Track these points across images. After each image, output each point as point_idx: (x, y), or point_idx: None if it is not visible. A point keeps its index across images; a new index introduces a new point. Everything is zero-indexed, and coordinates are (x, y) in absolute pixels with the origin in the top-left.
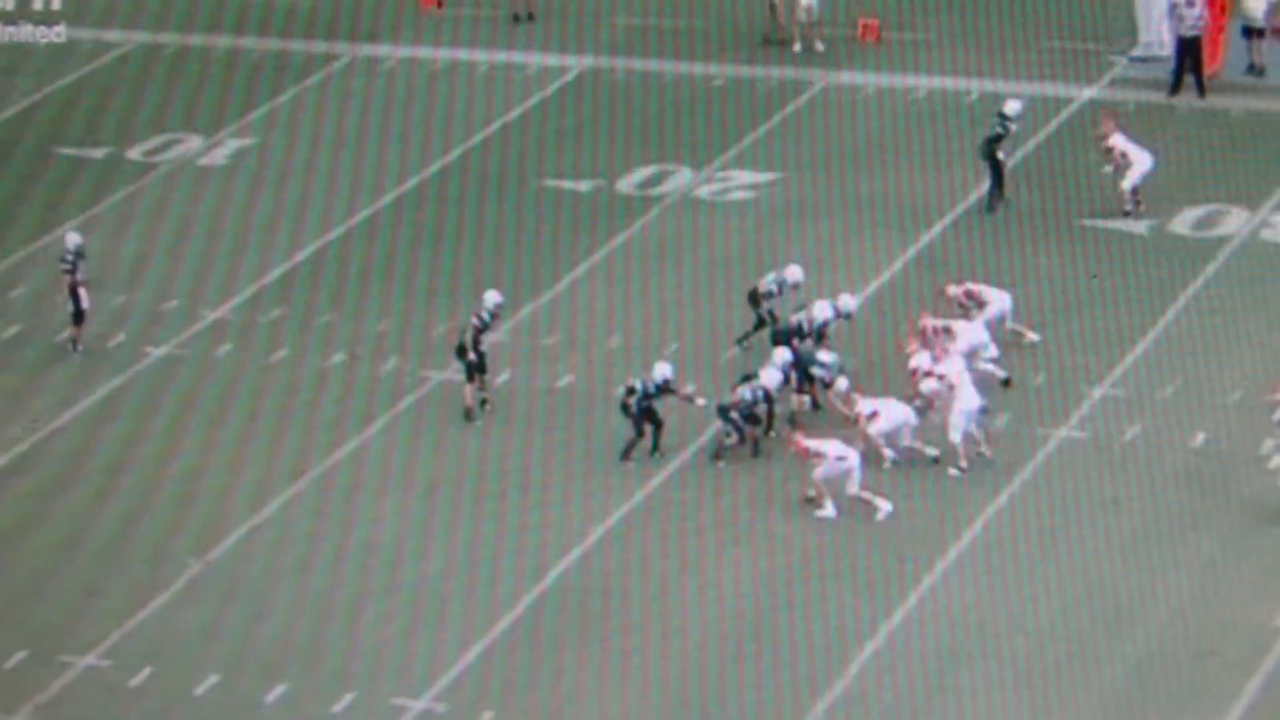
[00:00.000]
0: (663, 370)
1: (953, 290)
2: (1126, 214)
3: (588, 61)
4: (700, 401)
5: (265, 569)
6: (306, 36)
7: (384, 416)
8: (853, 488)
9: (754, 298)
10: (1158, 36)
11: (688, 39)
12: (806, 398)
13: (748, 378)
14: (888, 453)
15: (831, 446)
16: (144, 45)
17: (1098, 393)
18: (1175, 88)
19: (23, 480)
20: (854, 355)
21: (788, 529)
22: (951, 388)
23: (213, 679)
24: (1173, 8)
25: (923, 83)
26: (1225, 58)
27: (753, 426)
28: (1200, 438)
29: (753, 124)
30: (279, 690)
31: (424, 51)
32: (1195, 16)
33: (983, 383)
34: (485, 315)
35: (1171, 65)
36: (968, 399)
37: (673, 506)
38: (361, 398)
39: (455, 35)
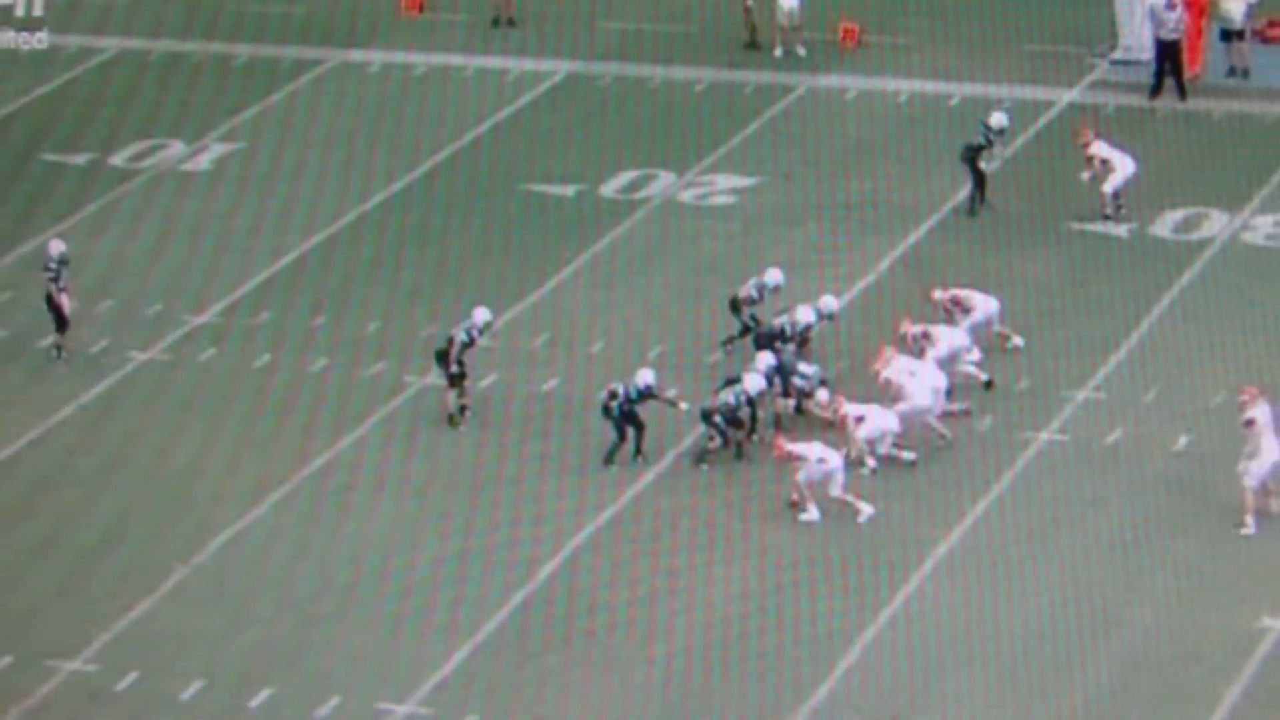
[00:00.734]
0: (645, 376)
1: (938, 295)
2: (1107, 217)
3: (570, 66)
4: (683, 406)
5: (250, 573)
6: (289, 42)
7: (368, 421)
8: (835, 490)
9: (735, 304)
10: (1138, 40)
11: (669, 44)
12: (791, 401)
13: (730, 381)
14: (870, 461)
15: (813, 449)
16: (127, 51)
17: (1080, 396)
18: (1156, 91)
19: (6, 485)
20: (838, 359)
21: (771, 533)
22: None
23: (198, 683)
24: (1152, 11)
25: (904, 86)
26: (1206, 61)
27: (736, 430)
28: (1183, 441)
29: (735, 128)
30: (264, 695)
31: (406, 57)
32: (1175, 20)
33: (964, 385)
34: (474, 331)
35: (1152, 68)
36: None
37: (656, 511)
38: (346, 402)
39: (437, 40)
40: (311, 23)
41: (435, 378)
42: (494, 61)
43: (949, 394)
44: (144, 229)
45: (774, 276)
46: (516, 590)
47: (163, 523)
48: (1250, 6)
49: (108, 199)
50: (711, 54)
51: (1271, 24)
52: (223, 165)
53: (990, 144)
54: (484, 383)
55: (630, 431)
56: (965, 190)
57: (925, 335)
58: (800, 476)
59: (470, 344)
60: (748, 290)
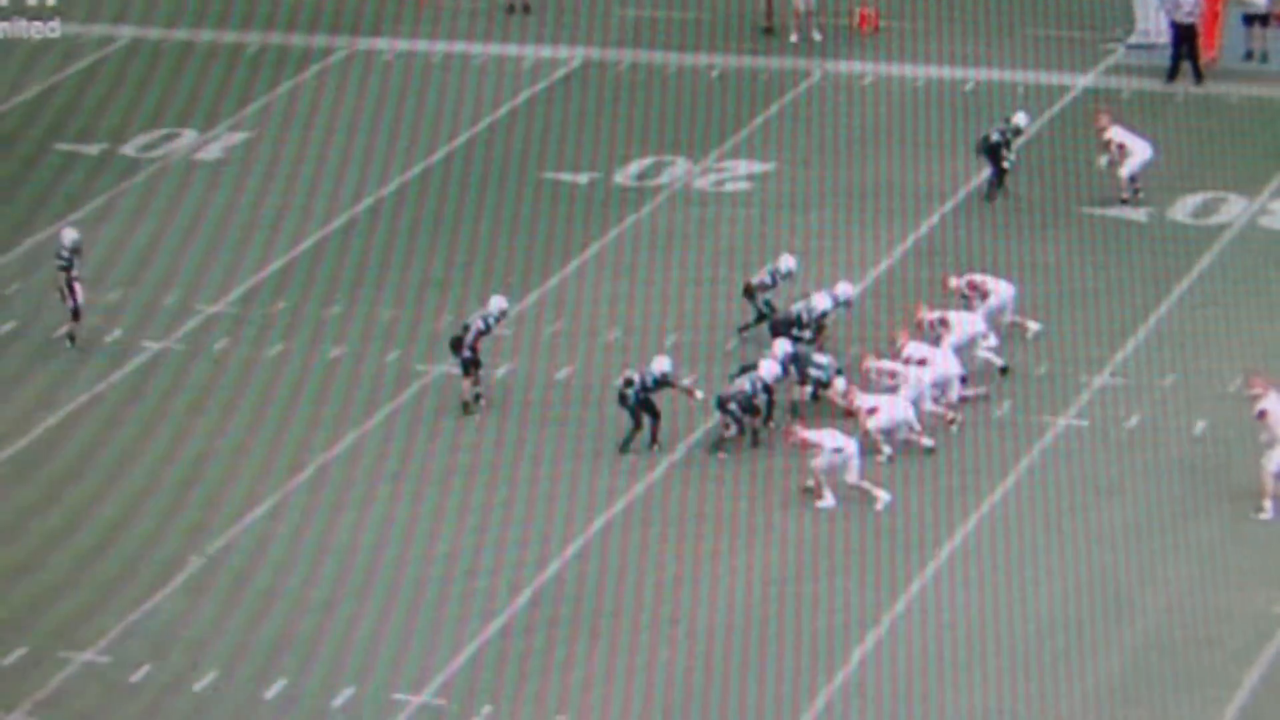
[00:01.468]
0: (661, 364)
1: (955, 282)
2: (1124, 202)
3: (585, 53)
4: (699, 395)
5: (264, 564)
6: (303, 30)
7: (383, 410)
8: (851, 476)
9: (749, 291)
10: (1154, 24)
11: (685, 30)
12: (808, 388)
13: (746, 369)
14: (886, 449)
15: (829, 437)
16: (139, 40)
17: (1098, 381)
18: (1172, 74)
19: (20, 476)
20: (852, 345)
21: (788, 520)
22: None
23: (212, 674)
24: None
25: (920, 72)
26: (1222, 45)
27: (752, 418)
28: (1200, 425)
29: (750, 115)
30: (278, 685)
31: (421, 44)
32: (1191, 3)
33: (982, 371)
34: (490, 320)
35: (1168, 52)
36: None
37: (672, 498)
38: (360, 391)
39: (452, 28)
40: (329, 11)
41: (450, 366)
42: (508, 48)
43: (965, 380)
44: (157, 218)
45: (787, 262)
46: (532, 580)
47: (176, 513)
48: None
49: (120, 188)
50: (727, 40)
51: None
52: (235, 154)
53: (1008, 142)
54: (499, 371)
55: (646, 419)
56: (981, 176)
57: (942, 321)
58: (816, 464)
59: (486, 332)
60: (761, 277)
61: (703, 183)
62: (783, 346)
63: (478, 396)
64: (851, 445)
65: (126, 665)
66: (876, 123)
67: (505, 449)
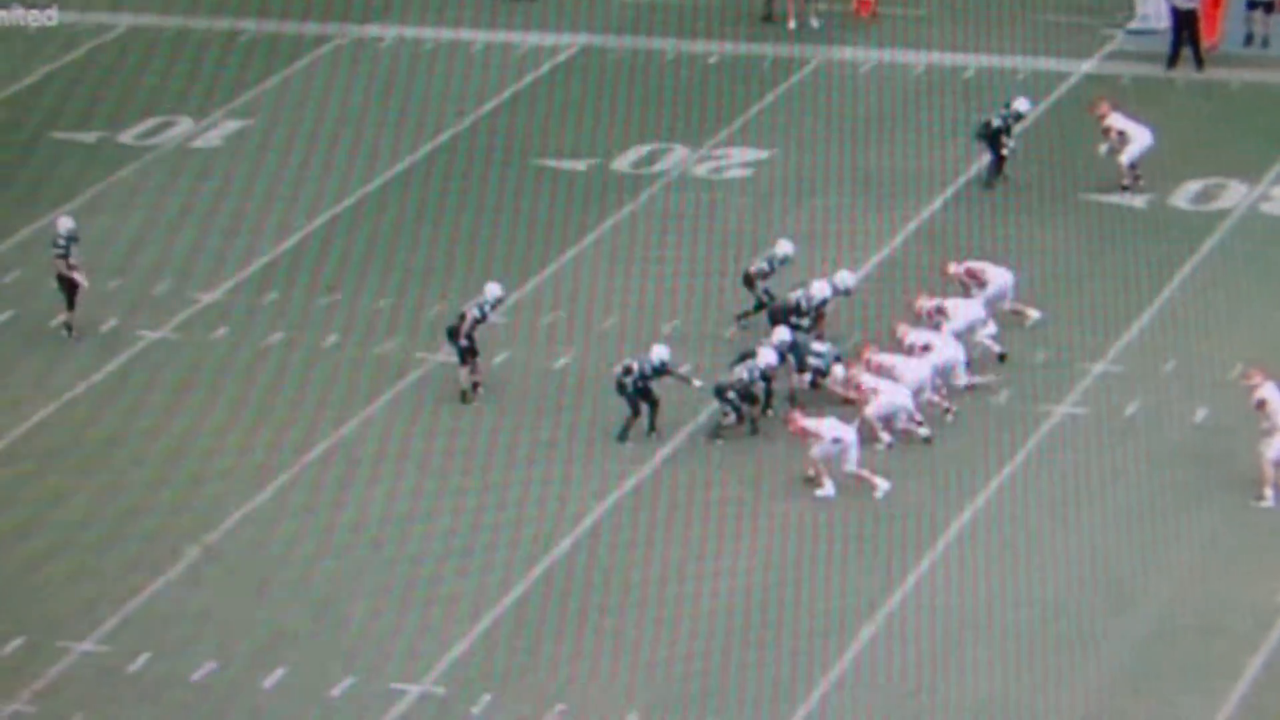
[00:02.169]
0: (660, 352)
1: (954, 269)
2: (1125, 188)
3: (582, 40)
4: (697, 384)
5: (262, 553)
6: (300, 17)
7: (380, 398)
8: (850, 465)
9: (748, 279)
10: (1155, 9)
11: (682, 16)
12: (807, 375)
13: (744, 356)
14: (885, 436)
15: (829, 426)
16: (136, 28)
17: (1098, 368)
18: (1173, 60)
19: (16, 465)
20: (854, 331)
21: (787, 509)
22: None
23: (210, 664)
24: None
25: (919, 58)
26: (1223, 30)
27: (750, 406)
28: (1201, 413)
29: (749, 101)
30: (277, 675)
31: (417, 31)
32: None
33: (981, 359)
34: (485, 307)
35: (1169, 38)
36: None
37: (671, 487)
38: (357, 379)
39: (449, 15)
40: None
41: (447, 354)
42: (506, 35)
43: (968, 365)
44: (153, 206)
45: (784, 248)
46: (531, 568)
47: (174, 502)
48: None
49: (117, 176)
50: (725, 26)
51: None
52: (232, 142)
53: (1008, 128)
54: (497, 359)
55: (644, 407)
56: (981, 162)
57: (940, 310)
58: (815, 452)
59: (482, 319)
60: (759, 264)
61: (701, 170)
62: (782, 334)
63: (475, 385)
64: (850, 435)
65: (125, 655)
66: (876, 109)
67: (503, 437)
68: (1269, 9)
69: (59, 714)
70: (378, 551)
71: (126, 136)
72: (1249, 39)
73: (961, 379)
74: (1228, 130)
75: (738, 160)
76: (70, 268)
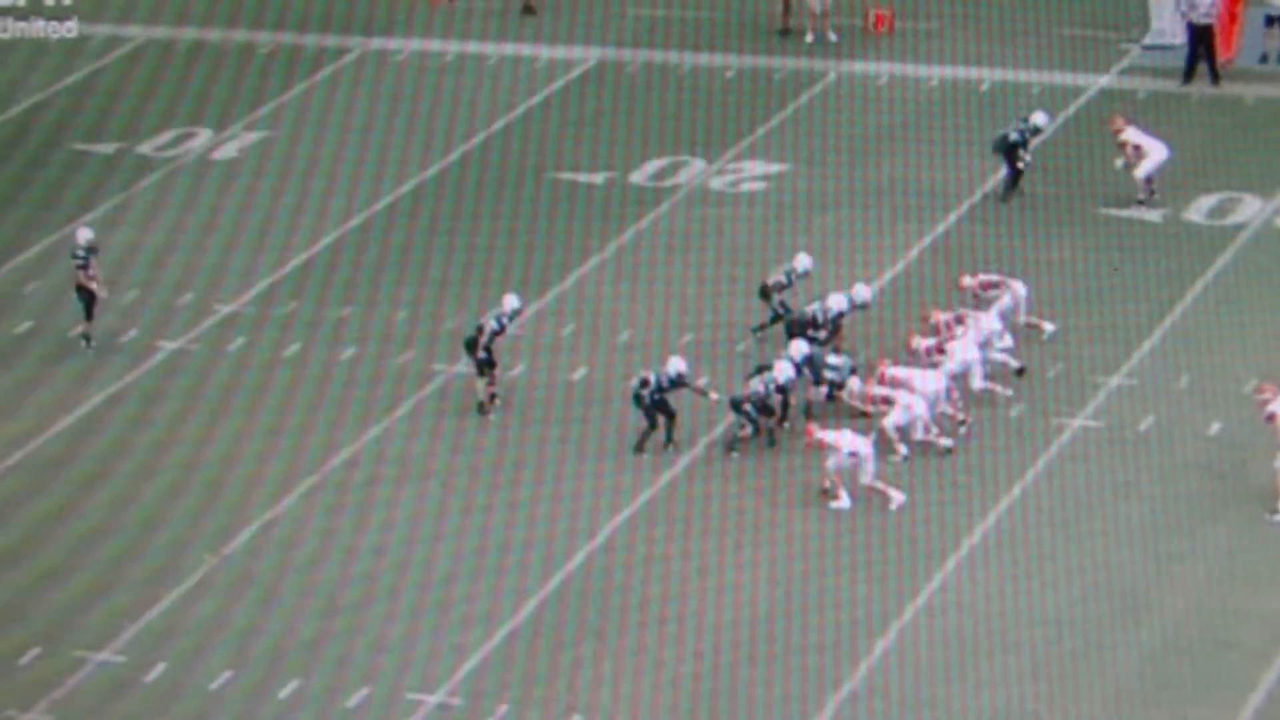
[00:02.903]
0: (676, 365)
1: (968, 281)
2: (1140, 202)
3: (599, 53)
4: (714, 396)
5: (279, 563)
6: (317, 30)
7: (398, 410)
8: (866, 478)
9: (765, 292)
10: (1171, 24)
11: (699, 30)
12: (823, 389)
13: (761, 369)
14: (901, 448)
15: (845, 439)
16: (155, 40)
17: (1113, 382)
18: (1188, 75)
19: (32, 475)
20: (868, 346)
21: (802, 521)
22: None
23: (226, 674)
24: None
25: (935, 72)
26: (1239, 46)
27: (767, 418)
28: (1215, 426)
29: (765, 115)
30: (293, 685)
31: (434, 44)
32: (1208, 4)
33: (997, 373)
34: (504, 320)
35: (1184, 53)
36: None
37: (688, 499)
38: (375, 391)
39: (466, 28)
40: (343, 11)
41: (464, 366)
42: (522, 48)
43: (986, 375)
44: (172, 217)
45: (803, 262)
46: (548, 579)
47: (191, 513)
48: None
49: (136, 188)
50: (742, 40)
51: None
52: (251, 154)
53: (1025, 142)
54: (513, 371)
55: (661, 420)
56: (998, 176)
57: (958, 319)
58: (831, 464)
59: (500, 332)
60: (777, 276)
61: (717, 183)
62: (800, 348)
63: (493, 397)
64: (867, 448)
65: (142, 665)
66: (892, 123)
67: (520, 449)
68: None
69: None
70: (394, 561)
71: (146, 148)
72: (1264, 58)
73: (977, 383)
74: (1243, 145)
75: (754, 174)
76: (89, 279)
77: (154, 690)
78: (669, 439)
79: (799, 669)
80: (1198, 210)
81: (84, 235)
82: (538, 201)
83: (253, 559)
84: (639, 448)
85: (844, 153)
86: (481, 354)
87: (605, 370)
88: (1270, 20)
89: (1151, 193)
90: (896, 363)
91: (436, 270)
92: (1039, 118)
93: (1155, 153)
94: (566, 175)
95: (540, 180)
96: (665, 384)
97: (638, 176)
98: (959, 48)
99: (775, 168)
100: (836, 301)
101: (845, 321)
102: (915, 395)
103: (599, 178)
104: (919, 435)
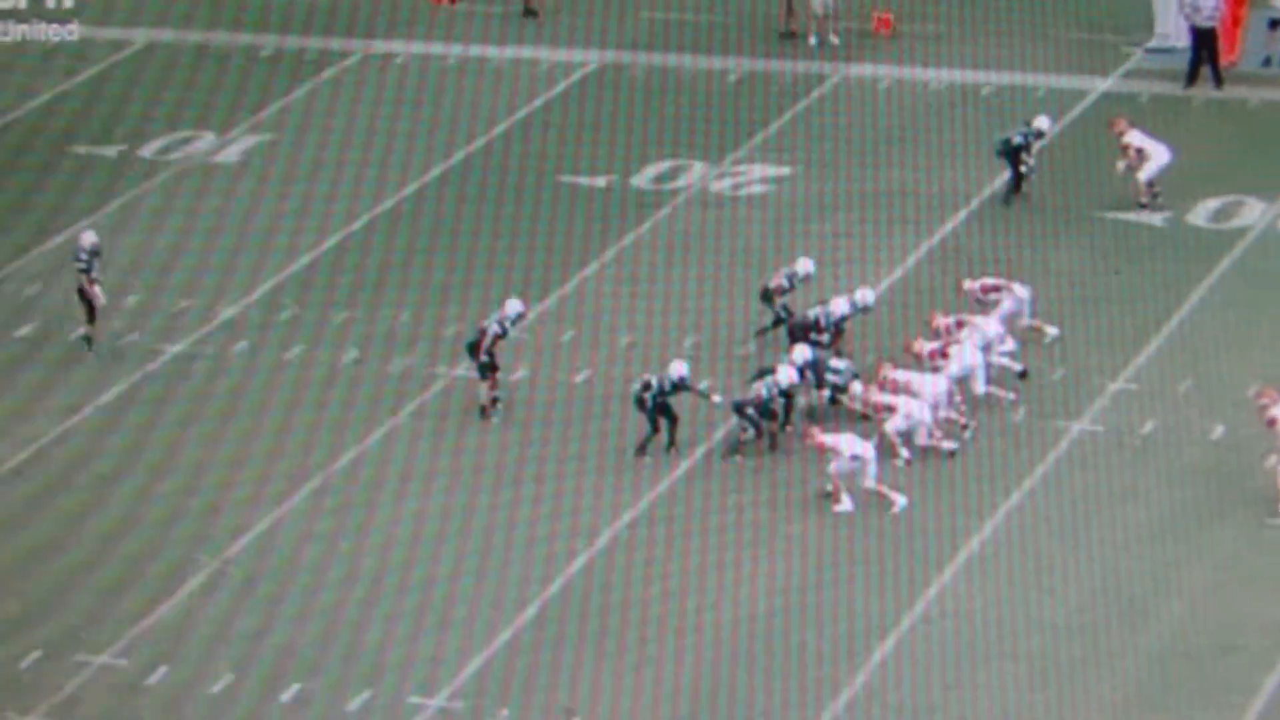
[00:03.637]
0: (679, 368)
1: (969, 284)
2: (1143, 206)
3: (602, 56)
4: (716, 399)
5: (280, 567)
6: (319, 33)
7: (399, 414)
8: (868, 481)
9: (766, 295)
10: (1174, 27)
11: (699, 33)
12: (826, 391)
13: (763, 373)
14: (904, 452)
15: (848, 442)
16: (157, 43)
17: (1115, 386)
18: (1191, 79)
19: (35, 478)
20: (866, 352)
21: (804, 525)
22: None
23: (228, 677)
24: None
25: (938, 76)
26: (1242, 49)
27: (769, 422)
28: (1218, 431)
29: (767, 118)
30: (294, 689)
31: (437, 47)
32: (1211, 7)
33: (998, 377)
34: (506, 324)
35: (1188, 56)
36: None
37: (689, 502)
38: (377, 395)
39: (468, 31)
40: (345, 14)
41: (466, 370)
42: (525, 51)
43: (989, 379)
44: (175, 221)
45: (804, 265)
46: (549, 583)
47: (193, 515)
48: None
49: (138, 191)
50: (744, 43)
51: None
52: (253, 157)
53: (1028, 145)
54: (515, 375)
55: (663, 423)
56: (1001, 179)
57: (959, 324)
58: (834, 468)
59: (502, 335)
60: (779, 280)
61: (720, 186)
62: (802, 352)
63: (495, 401)
64: (869, 452)
65: (142, 668)
66: (895, 126)
67: (522, 453)
68: None
69: None
70: (396, 565)
71: (148, 151)
72: (1268, 61)
73: (979, 387)
74: (1246, 148)
75: (756, 177)
76: (91, 282)
77: (155, 694)
78: (671, 442)
79: (800, 672)
80: (1200, 214)
81: (87, 239)
82: (540, 204)
83: (254, 562)
84: (641, 451)
85: (846, 156)
86: (484, 358)
87: (607, 374)
88: (1274, 23)
89: (1155, 196)
90: (897, 366)
91: (439, 274)
92: (1042, 121)
93: (1158, 156)
94: (569, 178)
95: (542, 183)
96: (667, 387)
97: (639, 180)
98: (962, 51)
99: (777, 171)
100: (839, 305)
101: (847, 325)
102: (918, 400)
103: (601, 181)
104: (922, 440)
